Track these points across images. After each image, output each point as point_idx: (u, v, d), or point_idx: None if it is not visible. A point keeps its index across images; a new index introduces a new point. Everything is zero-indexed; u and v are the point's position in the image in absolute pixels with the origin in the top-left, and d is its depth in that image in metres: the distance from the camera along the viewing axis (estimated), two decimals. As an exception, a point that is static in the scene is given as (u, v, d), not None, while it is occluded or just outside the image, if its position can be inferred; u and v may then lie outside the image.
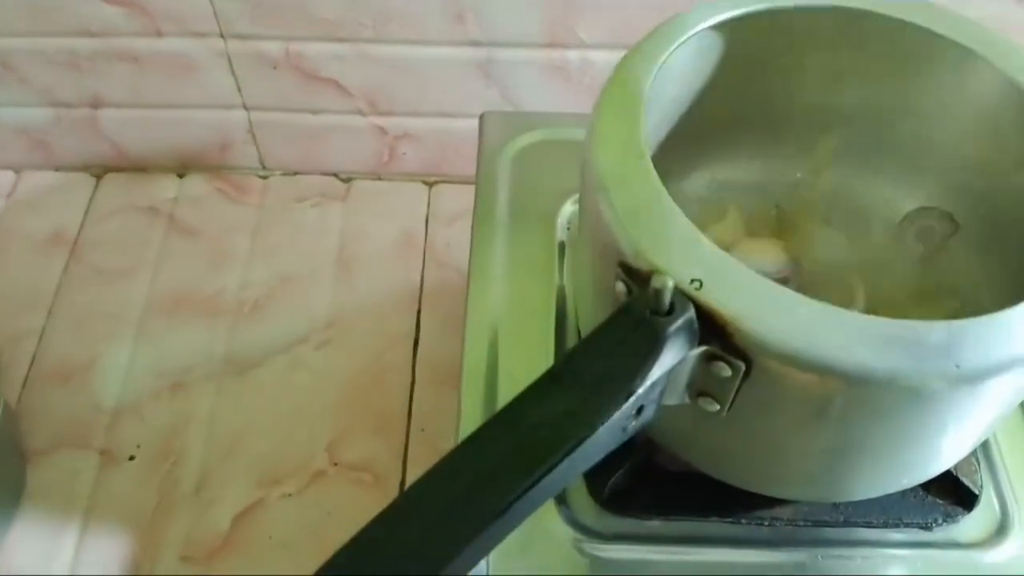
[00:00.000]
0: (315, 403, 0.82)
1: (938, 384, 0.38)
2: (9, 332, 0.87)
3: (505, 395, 0.58)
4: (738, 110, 0.58)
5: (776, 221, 0.61)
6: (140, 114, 0.93)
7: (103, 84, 0.89)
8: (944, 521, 0.51)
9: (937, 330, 0.39)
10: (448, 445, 0.62)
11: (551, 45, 0.83)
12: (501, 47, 0.84)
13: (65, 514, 0.76)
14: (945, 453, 0.47)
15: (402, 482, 0.77)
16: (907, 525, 0.51)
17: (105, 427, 0.81)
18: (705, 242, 0.41)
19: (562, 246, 0.65)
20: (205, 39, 0.84)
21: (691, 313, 0.39)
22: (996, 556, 0.51)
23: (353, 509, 0.76)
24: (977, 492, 0.52)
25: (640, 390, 0.39)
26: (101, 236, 0.95)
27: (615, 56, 0.83)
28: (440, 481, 0.37)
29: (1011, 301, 0.40)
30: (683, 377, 0.42)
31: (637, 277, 0.42)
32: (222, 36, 0.84)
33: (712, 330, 0.40)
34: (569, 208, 0.67)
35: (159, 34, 0.84)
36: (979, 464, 0.54)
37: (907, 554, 0.51)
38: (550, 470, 0.36)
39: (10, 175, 0.99)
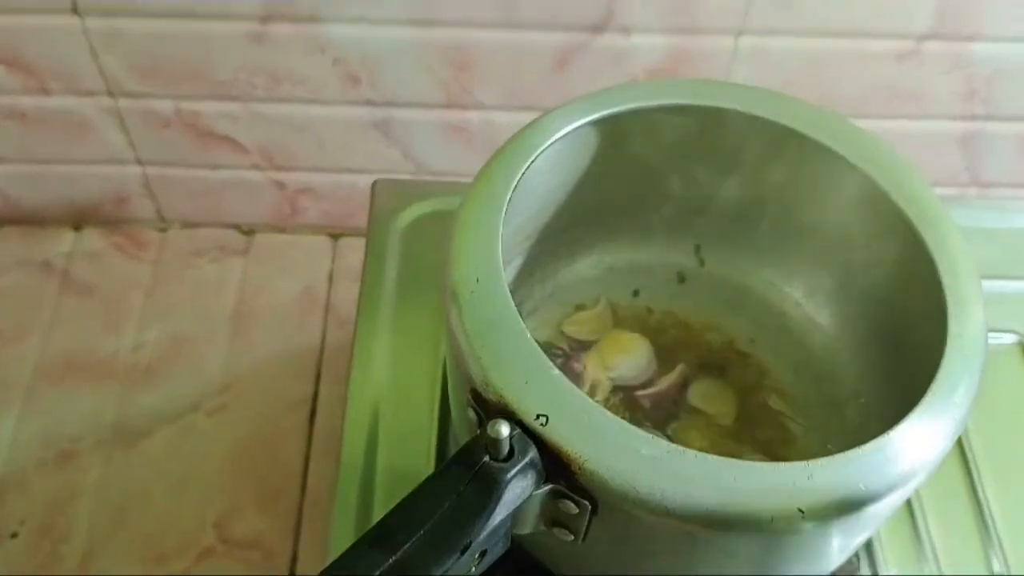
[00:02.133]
0: (205, 474, 0.80)
1: (783, 528, 0.38)
2: None
3: (383, 485, 0.57)
4: (614, 199, 0.57)
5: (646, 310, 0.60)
6: (32, 169, 0.90)
7: (-10, 140, 0.86)
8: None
9: (780, 472, 0.38)
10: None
11: (449, 106, 0.81)
12: (398, 107, 0.82)
13: (-61, 599, 0.73)
14: (815, 569, 0.47)
15: (293, 559, 0.75)
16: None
17: (-14, 502, 0.78)
18: (554, 373, 0.40)
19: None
20: (94, 97, 0.81)
21: (533, 455, 0.38)
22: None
23: (242, 589, 0.74)
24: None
25: (479, 538, 0.37)
26: (-7, 293, 0.92)
27: (516, 116, 0.83)
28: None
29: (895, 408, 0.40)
30: (533, 511, 0.41)
31: (485, 407, 0.41)
32: (111, 94, 0.81)
33: (557, 468, 0.38)
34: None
35: (45, 92, 0.81)
36: (859, 559, 0.53)
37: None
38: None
39: (-102, 227, 0.96)
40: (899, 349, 0.50)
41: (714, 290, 0.61)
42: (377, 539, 0.37)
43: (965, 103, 0.81)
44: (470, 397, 0.42)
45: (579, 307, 0.60)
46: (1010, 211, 0.69)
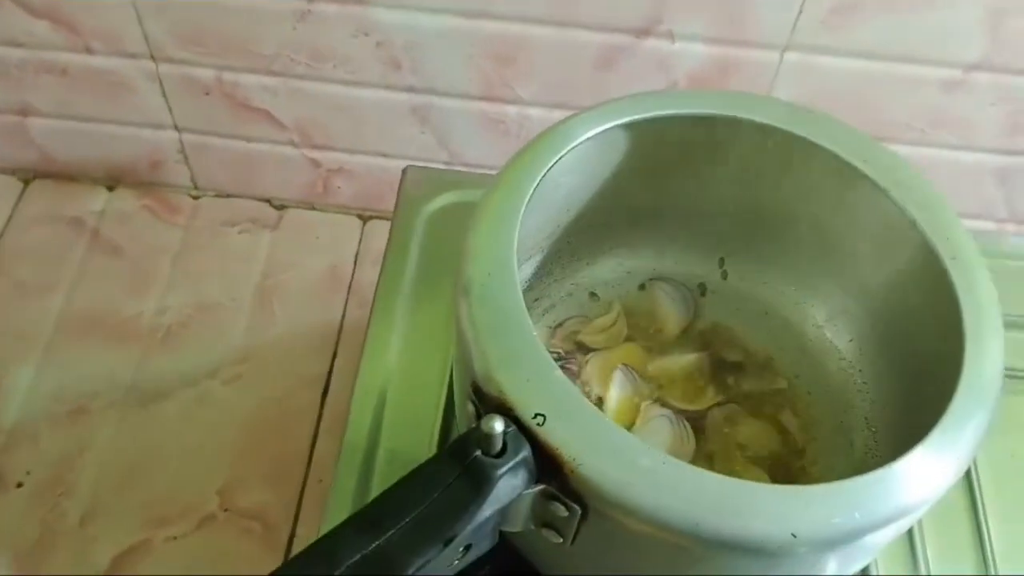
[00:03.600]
0: (215, 442, 0.81)
1: (774, 551, 0.37)
2: (-87, 339, 0.85)
3: (382, 470, 0.57)
4: (639, 204, 0.56)
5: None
6: (69, 125, 0.91)
7: (31, 93, 0.87)
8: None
9: (774, 494, 0.37)
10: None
11: (488, 98, 0.81)
12: (438, 95, 0.82)
13: (-57, 540, 0.75)
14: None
15: (291, 536, 0.76)
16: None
17: (-2, 449, 0.80)
18: (556, 374, 0.40)
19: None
20: (135, 60, 0.82)
21: (526, 453, 0.38)
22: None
23: (238, 559, 0.74)
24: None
25: (463, 532, 0.37)
26: (22, 246, 0.93)
27: (552, 113, 0.82)
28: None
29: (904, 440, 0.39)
30: (523, 511, 0.40)
31: (485, 401, 0.41)
32: (153, 59, 0.82)
33: (550, 469, 0.38)
34: (478, 276, 0.65)
35: (88, 51, 0.82)
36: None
37: None
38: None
39: (-66, 173, 0.97)
40: (914, 381, 0.49)
41: (735, 304, 0.60)
42: (362, 523, 0.37)
43: (1008, 137, 0.80)
44: (471, 390, 0.42)
45: (593, 298, 0.59)
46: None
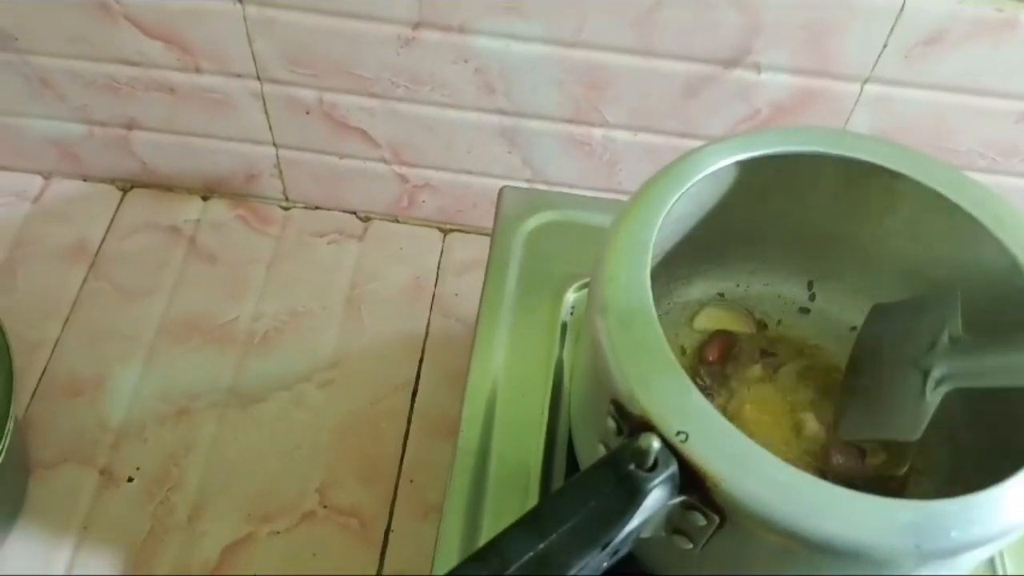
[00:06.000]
0: (311, 442, 0.85)
1: (899, 561, 0.41)
2: (25, 339, 0.89)
3: (494, 475, 0.60)
4: (736, 231, 0.60)
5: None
6: (171, 139, 0.95)
7: (138, 109, 0.92)
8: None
9: (904, 510, 0.41)
10: (434, 498, 0.63)
11: (575, 121, 0.85)
12: (527, 118, 0.86)
13: (61, 530, 0.79)
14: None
15: (387, 531, 0.80)
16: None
17: (108, 446, 0.84)
18: (695, 394, 0.44)
19: (564, 327, 0.68)
20: (242, 79, 0.87)
21: (674, 468, 0.42)
22: None
23: (337, 554, 0.79)
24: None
25: (617, 539, 0.41)
26: (122, 252, 0.97)
27: (637, 137, 0.86)
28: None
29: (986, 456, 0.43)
30: (661, 519, 0.44)
31: (627, 418, 0.45)
32: (259, 79, 0.86)
33: (692, 482, 0.42)
34: (573, 294, 0.69)
35: (198, 70, 0.86)
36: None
37: None
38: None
39: (39, 180, 1.02)
40: (1000, 404, 0.53)
41: (824, 324, 0.64)
42: (531, 526, 0.41)
43: (1078, 168, 0.83)
44: (612, 408, 0.46)
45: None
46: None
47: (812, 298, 0.65)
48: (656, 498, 0.42)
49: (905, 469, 0.56)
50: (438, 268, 0.98)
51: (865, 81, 0.78)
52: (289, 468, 0.84)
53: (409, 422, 0.87)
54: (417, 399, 0.88)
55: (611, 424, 0.46)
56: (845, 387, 0.57)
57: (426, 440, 0.86)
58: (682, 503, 0.43)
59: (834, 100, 0.80)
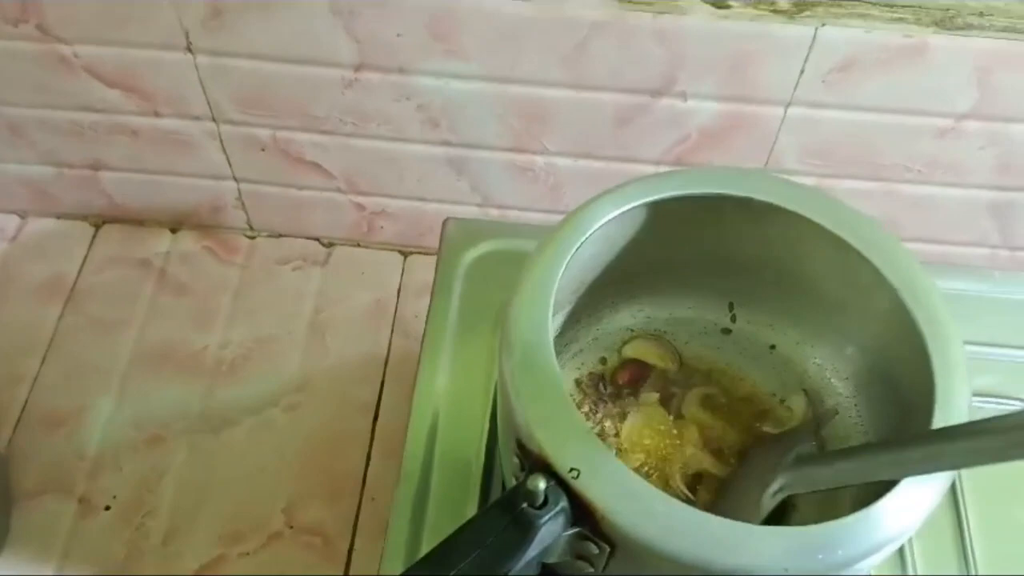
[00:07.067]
0: (278, 465, 0.90)
1: (769, 582, 0.45)
2: (6, 374, 0.94)
3: (435, 499, 0.64)
4: (654, 261, 0.64)
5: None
6: (137, 177, 0.99)
7: (103, 150, 0.96)
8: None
9: (773, 536, 0.45)
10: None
11: (517, 150, 0.89)
12: (472, 148, 0.90)
13: (43, 558, 0.84)
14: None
15: (350, 548, 0.85)
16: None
17: (86, 475, 0.89)
18: (588, 433, 0.48)
19: (502, 354, 0.72)
20: (199, 121, 0.91)
21: (564, 504, 0.46)
22: None
23: (303, 571, 0.83)
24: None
25: (514, 569, 0.45)
26: (97, 286, 1.02)
27: (578, 163, 0.90)
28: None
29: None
30: (560, 547, 0.48)
31: (528, 456, 0.49)
32: (215, 120, 0.90)
33: (583, 515, 0.46)
34: (514, 323, 0.73)
35: (156, 114, 0.91)
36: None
37: None
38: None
39: (15, 219, 1.07)
40: (900, 426, 0.57)
41: (744, 344, 0.68)
42: (433, 563, 0.45)
43: (998, 175, 0.87)
44: (515, 445, 0.50)
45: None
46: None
47: (733, 319, 0.69)
48: (549, 531, 0.46)
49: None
50: (399, 290, 1.02)
51: (788, 105, 0.81)
52: (257, 490, 0.88)
53: (371, 442, 0.91)
54: (379, 420, 0.93)
55: (515, 460, 0.50)
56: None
57: (387, 459, 0.90)
58: (576, 533, 0.47)
59: (760, 123, 0.83)
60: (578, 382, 0.66)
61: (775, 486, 0.54)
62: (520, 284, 0.55)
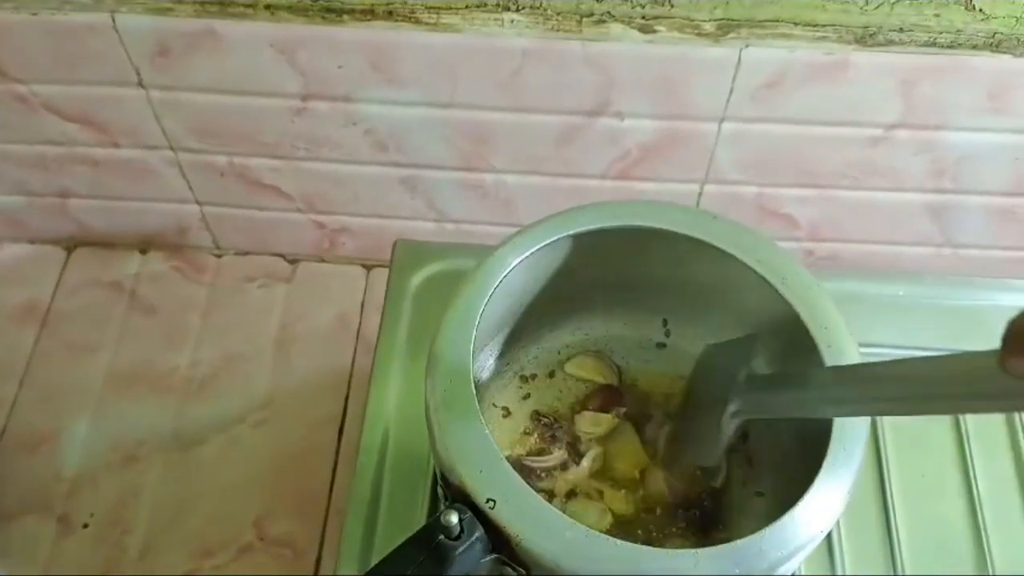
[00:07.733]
0: (248, 480, 0.93)
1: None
2: (-17, 400, 0.98)
3: (385, 515, 0.68)
4: (586, 284, 0.67)
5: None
6: (103, 203, 1.03)
7: (68, 180, 0.99)
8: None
9: (672, 557, 0.49)
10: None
11: (466, 169, 0.92)
12: (422, 168, 0.93)
13: (25, 577, 0.88)
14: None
15: (318, 559, 0.88)
16: None
17: (64, 495, 0.92)
18: (504, 466, 0.51)
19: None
20: (157, 150, 0.94)
21: (479, 533, 0.49)
22: None
23: (273, 583, 0.88)
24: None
25: (438, 595, 0.49)
26: (70, 310, 1.05)
27: (525, 179, 0.92)
28: None
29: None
30: (483, 571, 0.52)
31: (449, 487, 0.52)
32: (172, 149, 0.93)
33: (501, 542, 0.50)
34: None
35: (116, 145, 0.94)
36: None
37: None
38: None
39: (-12, 246, 1.10)
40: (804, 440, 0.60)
41: (677, 358, 0.71)
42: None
43: (934, 179, 0.89)
44: (440, 477, 0.53)
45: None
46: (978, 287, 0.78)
47: (668, 334, 0.72)
48: (467, 560, 0.50)
49: (720, 480, 0.63)
50: (362, 305, 1.06)
51: (721, 120, 0.84)
52: (228, 505, 0.92)
53: (337, 455, 0.95)
54: (344, 433, 0.96)
55: (440, 492, 0.54)
56: (673, 426, 0.65)
57: (353, 473, 0.93)
58: (495, 560, 0.51)
59: (697, 138, 0.86)
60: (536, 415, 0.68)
61: (732, 407, 0.57)
62: (442, 324, 0.58)
